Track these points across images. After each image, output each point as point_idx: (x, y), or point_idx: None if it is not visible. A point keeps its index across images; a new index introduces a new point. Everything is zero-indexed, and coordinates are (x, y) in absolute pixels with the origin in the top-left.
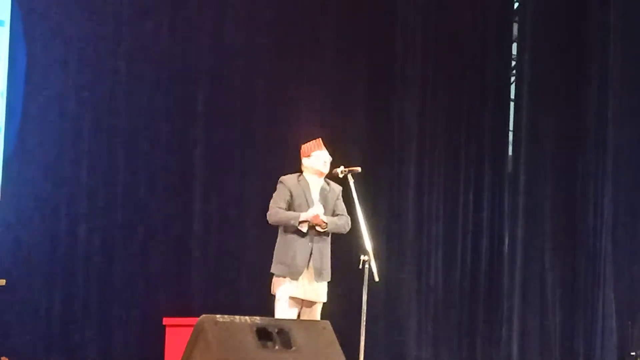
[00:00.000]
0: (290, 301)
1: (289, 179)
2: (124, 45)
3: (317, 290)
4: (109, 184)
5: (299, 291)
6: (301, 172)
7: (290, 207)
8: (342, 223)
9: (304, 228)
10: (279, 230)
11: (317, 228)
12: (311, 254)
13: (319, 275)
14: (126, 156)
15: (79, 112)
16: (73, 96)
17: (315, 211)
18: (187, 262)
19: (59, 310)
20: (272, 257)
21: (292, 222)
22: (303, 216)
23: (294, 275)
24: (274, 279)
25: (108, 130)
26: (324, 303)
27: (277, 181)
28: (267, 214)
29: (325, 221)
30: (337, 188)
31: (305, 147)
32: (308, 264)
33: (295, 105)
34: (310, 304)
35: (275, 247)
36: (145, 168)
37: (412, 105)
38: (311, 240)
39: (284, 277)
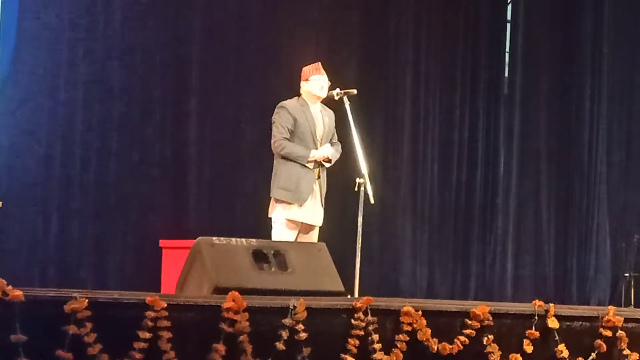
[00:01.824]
0: (289, 224)
1: (290, 105)
2: None
3: (316, 215)
4: (105, 107)
5: (299, 215)
6: (299, 95)
7: (292, 134)
8: (339, 153)
9: (310, 165)
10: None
11: (324, 163)
12: (314, 181)
13: (320, 200)
14: (122, 80)
15: (73, 34)
16: (67, 18)
17: (326, 153)
18: (184, 185)
19: (55, 233)
20: (268, 180)
21: (300, 160)
22: (312, 156)
23: (299, 201)
24: (273, 203)
25: (103, 51)
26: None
27: (272, 104)
28: (273, 143)
29: (331, 158)
30: (333, 114)
31: (304, 71)
32: (313, 190)
33: (291, 27)
34: (309, 228)
35: (275, 172)
36: (141, 90)
37: (407, 27)
38: (315, 167)
39: (287, 202)
